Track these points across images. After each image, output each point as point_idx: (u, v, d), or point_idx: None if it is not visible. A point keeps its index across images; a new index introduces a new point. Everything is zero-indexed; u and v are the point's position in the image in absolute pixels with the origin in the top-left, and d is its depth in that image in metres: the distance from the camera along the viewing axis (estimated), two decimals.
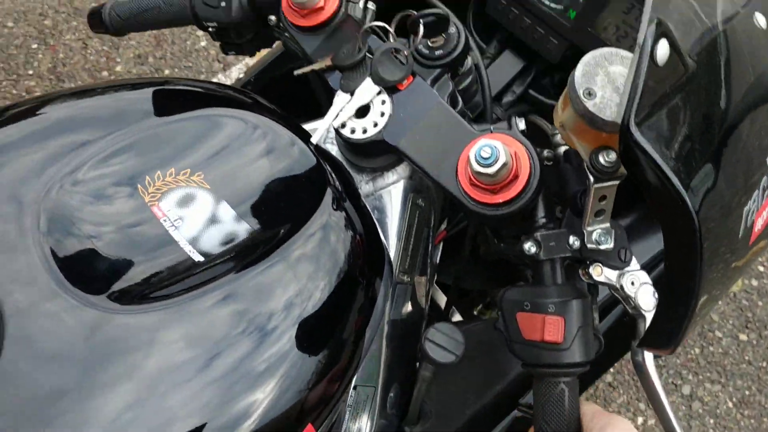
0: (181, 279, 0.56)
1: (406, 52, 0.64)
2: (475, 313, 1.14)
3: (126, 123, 0.62)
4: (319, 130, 0.65)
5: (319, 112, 0.94)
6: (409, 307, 0.76)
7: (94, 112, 0.64)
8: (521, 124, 0.62)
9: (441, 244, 0.83)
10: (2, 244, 0.54)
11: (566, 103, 0.57)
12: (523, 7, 0.76)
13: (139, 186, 0.58)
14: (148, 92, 0.69)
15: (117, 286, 0.54)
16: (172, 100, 0.68)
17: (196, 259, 0.56)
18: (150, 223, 0.57)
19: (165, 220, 0.57)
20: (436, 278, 0.85)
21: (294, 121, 0.69)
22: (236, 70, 2.18)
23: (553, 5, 0.75)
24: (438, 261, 0.82)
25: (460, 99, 0.70)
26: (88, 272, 0.55)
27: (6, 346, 0.50)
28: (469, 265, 0.85)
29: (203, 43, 2.22)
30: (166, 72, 2.15)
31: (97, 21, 0.89)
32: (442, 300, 0.93)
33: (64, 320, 0.52)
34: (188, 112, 0.65)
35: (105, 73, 2.14)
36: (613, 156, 0.55)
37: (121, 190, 0.58)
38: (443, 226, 0.83)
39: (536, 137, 0.70)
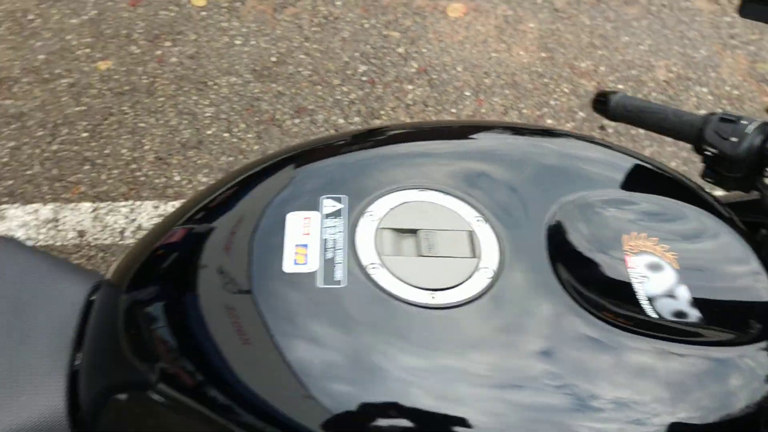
0: (629, 324, 0.63)
1: None
2: None
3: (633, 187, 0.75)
4: None
5: None
6: None
7: (606, 167, 0.78)
8: None
9: None
10: (517, 218, 0.67)
11: None
12: None
13: (623, 235, 0.67)
14: (651, 168, 0.80)
15: (578, 293, 0.62)
16: (672, 184, 0.78)
17: (650, 314, 0.62)
18: (618, 267, 0.67)
19: (632, 272, 0.64)
20: None
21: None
22: None
23: None
24: None
25: None
26: (568, 265, 0.66)
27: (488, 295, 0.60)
28: None
29: None
30: None
31: (601, 102, 1.00)
32: None
33: (541, 296, 0.61)
34: (683, 201, 0.74)
35: None
36: None
37: (610, 229, 0.69)
38: None
39: None
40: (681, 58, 2.66)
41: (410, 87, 2.51)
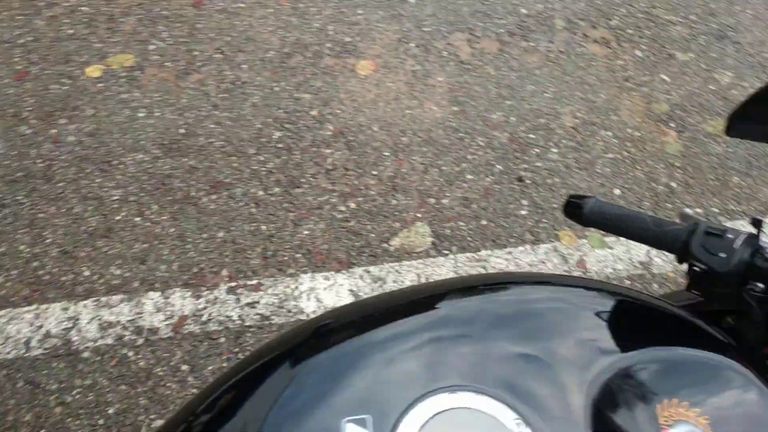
0: None
1: None
2: None
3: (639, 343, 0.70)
4: None
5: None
6: None
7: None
8: None
9: None
10: (556, 409, 0.61)
11: None
12: None
13: (657, 405, 0.63)
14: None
15: None
16: (680, 324, 0.75)
17: None
18: None
19: None
20: None
21: None
22: (543, 249, 2.27)
23: None
24: None
25: None
26: None
27: None
28: None
29: (523, 212, 2.35)
30: (484, 222, 2.30)
31: (574, 207, 0.98)
32: None
33: None
34: (701, 349, 0.70)
35: (445, 201, 2.35)
36: None
37: (642, 403, 0.64)
38: None
39: None
40: (584, 104, 2.76)
41: (328, 151, 2.45)
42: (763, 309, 0.82)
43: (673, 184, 2.55)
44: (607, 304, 0.76)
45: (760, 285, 0.83)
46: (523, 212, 2.37)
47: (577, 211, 0.98)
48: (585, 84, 2.85)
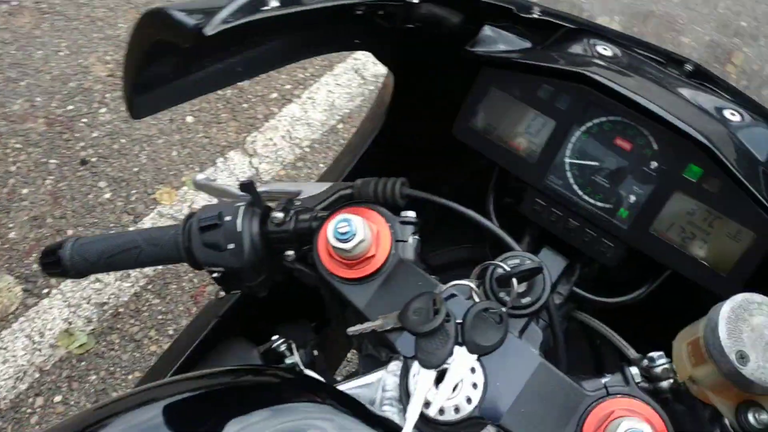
0: None
1: (501, 310, 0.55)
2: None
3: None
4: (409, 423, 0.53)
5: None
6: None
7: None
8: (637, 376, 0.54)
9: None
10: None
11: (700, 358, 0.51)
12: (566, 208, 0.70)
13: None
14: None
15: None
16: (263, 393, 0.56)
17: None
18: None
19: None
20: None
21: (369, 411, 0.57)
22: (149, 221, 2.00)
23: (599, 203, 0.69)
24: None
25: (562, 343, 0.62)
26: None
27: None
28: None
29: (107, 195, 2.03)
30: (69, 232, 1.93)
31: (52, 262, 0.73)
32: None
33: None
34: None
35: (13, 235, 1.89)
36: (765, 416, 0.49)
37: None
38: None
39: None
40: (108, 43, 2.40)
41: None
42: (316, 271, 0.68)
43: (243, 83, 2.40)
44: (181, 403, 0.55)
45: (290, 252, 0.69)
46: (107, 195, 2.04)
47: (55, 267, 0.73)
48: (97, 21, 2.47)
